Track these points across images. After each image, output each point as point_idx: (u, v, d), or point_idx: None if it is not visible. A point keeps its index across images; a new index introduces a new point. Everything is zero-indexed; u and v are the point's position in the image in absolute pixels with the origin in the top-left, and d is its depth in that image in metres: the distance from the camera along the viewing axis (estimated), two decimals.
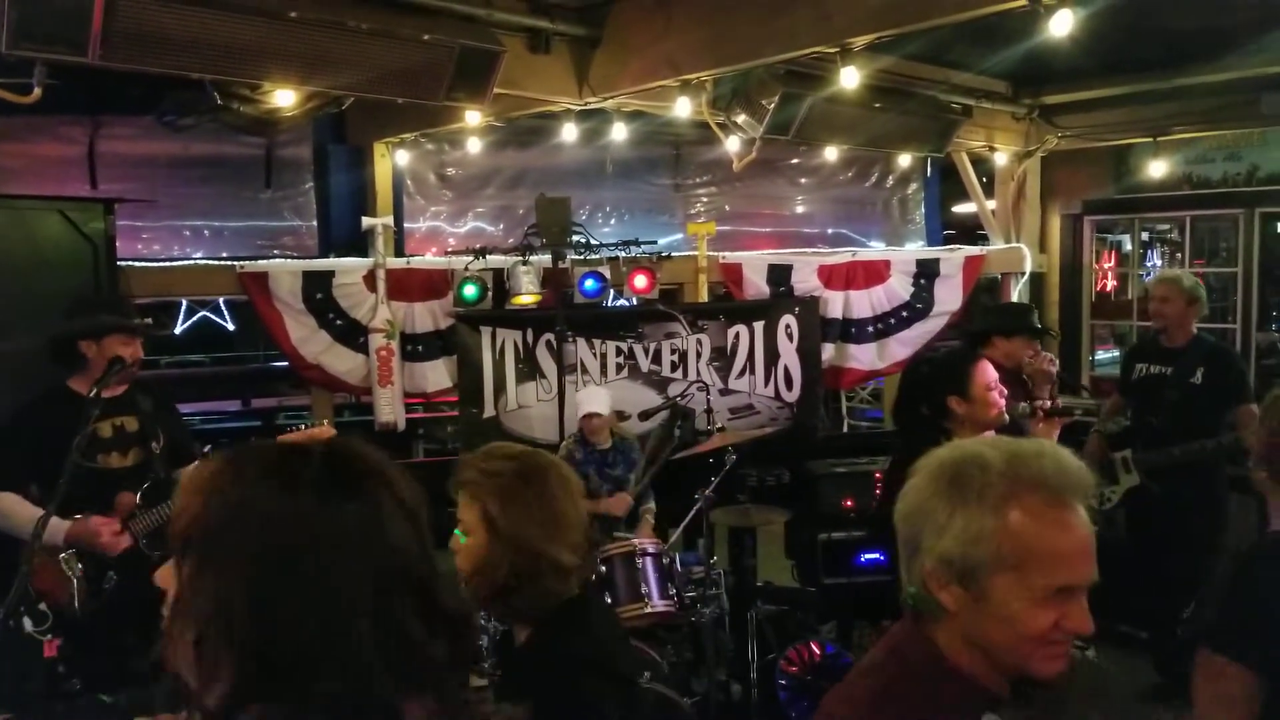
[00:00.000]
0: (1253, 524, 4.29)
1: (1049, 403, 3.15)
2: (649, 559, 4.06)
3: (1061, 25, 3.19)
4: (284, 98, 4.01)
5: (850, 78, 3.84)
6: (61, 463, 2.99)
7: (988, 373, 3.02)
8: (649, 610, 3.98)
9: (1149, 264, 8.54)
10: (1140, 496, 4.59)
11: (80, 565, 3.18)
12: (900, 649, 1.39)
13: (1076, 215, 7.40)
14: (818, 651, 4.07)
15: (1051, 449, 1.31)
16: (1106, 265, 7.95)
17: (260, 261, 5.54)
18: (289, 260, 5.94)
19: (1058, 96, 6.24)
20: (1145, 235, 8.81)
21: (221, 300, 7.44)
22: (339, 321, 5.40)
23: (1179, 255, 7.79)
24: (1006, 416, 3.04)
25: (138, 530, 3.34)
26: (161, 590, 0.95)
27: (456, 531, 1.82)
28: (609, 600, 3.97)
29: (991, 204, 7.21)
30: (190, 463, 3.63)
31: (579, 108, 4.93)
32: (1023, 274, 6.95)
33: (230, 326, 8.08)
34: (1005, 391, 3.05)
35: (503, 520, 1.74)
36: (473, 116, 4.90)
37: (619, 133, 5.38)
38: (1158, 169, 6.42)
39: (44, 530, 2.82)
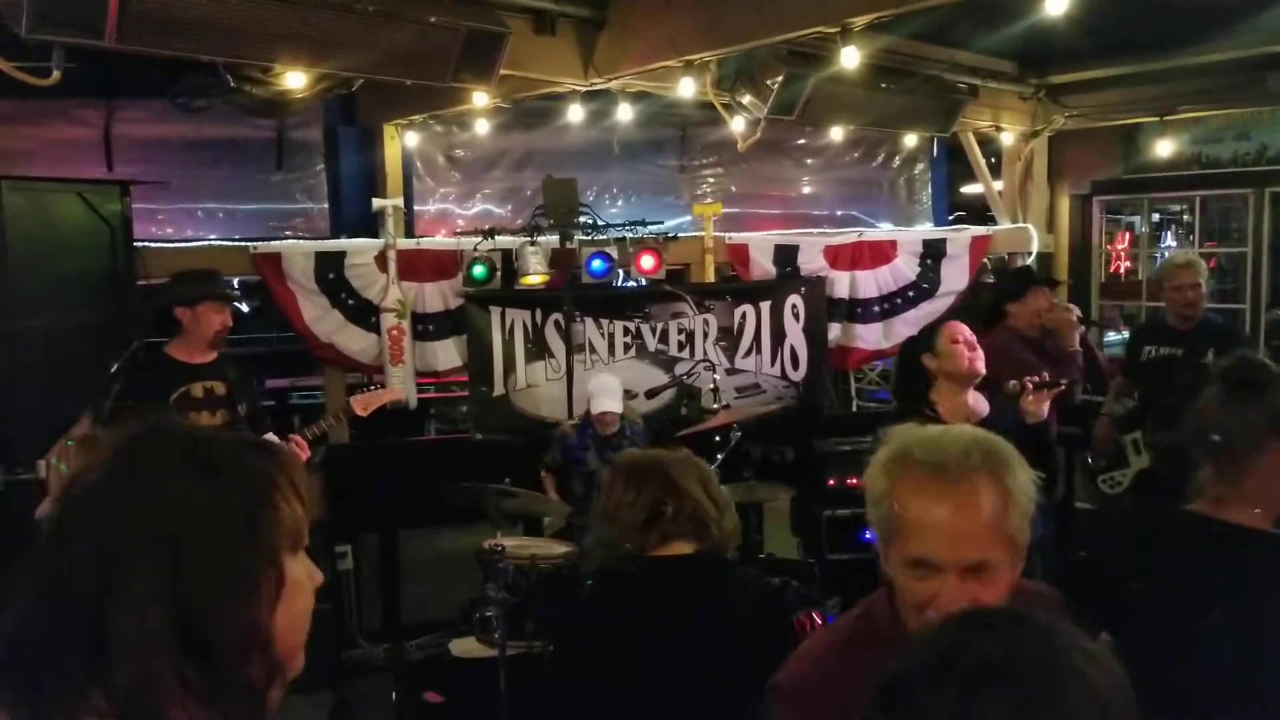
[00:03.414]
0: None
1: (1036, 378, 3.19)
2: None
3: (1058, 3, 3.22)
4: (294, 80, 4.08)
5: (851, 57, 3.88)
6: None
7: (955, 328, 3.15)
8: None
9: (1163, 246, 8.53)
10: (1150, 478, 4.61)
11: None
12: (870, 611, 1.49)
13: (1085, 195, 7.40)
14: (819, 622, 4.15)
15: (965, 435, 1.39)
16: (1120, 246, 7.94)
17: (273, 243, 5.63)
18: (301, 241, 6.03)
19: (1065, 76, 6.23)
20: (1157, 216, 8.80)
21: (236, 282, 7.55)
22: (351, 301, 5.48)
23: (1190, 236, 7.78)
24: (981, 369, 3.11)
25: None
26: None
27: None
28: None
29: (999, 184, 7.21)
30: (265, 432, 3.88)
31: (584, 89, 4.97)
32: (1029, 254, 6.95)
33: (244, 308, 8.18)
34: (976, 345, 3.12)
35: None
36: (479, 98, 4.95)
37: (624, 114, 5.42)
38: (1166, 148, 6.41)
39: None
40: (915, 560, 1.33)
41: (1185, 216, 8.28)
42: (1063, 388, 3.30)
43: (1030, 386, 3.14)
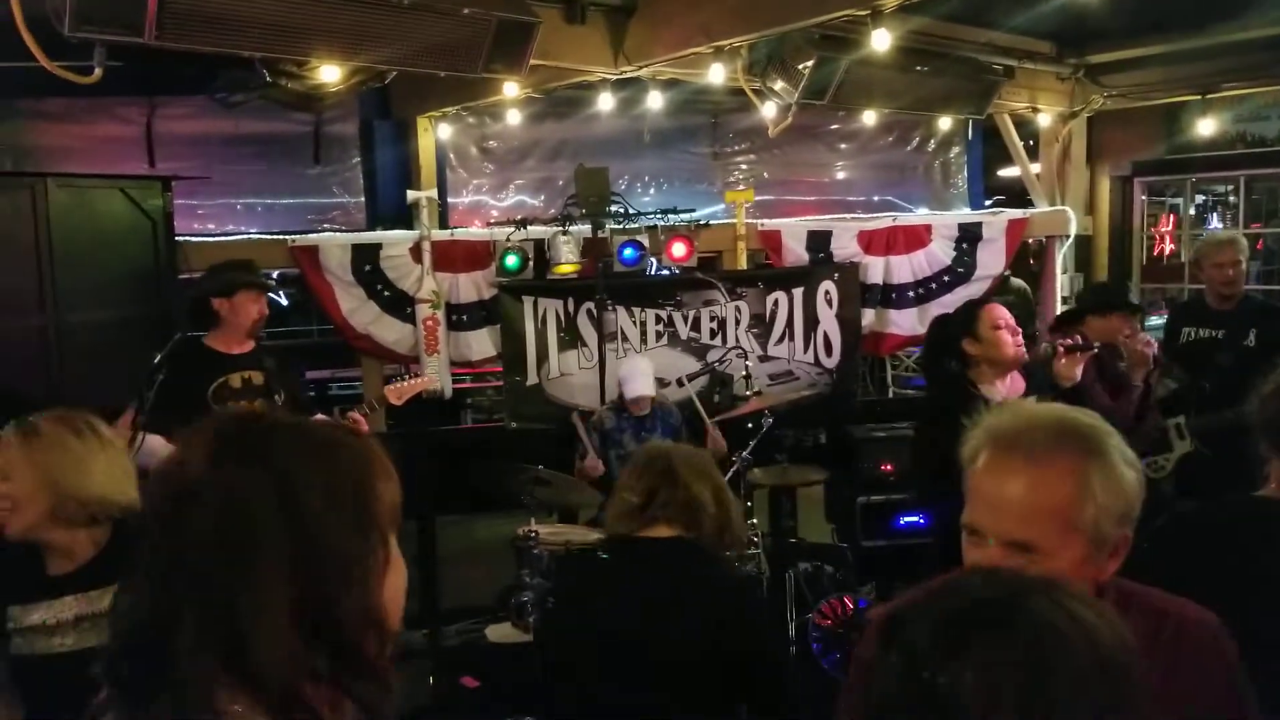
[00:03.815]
0: None
1: (1069, 340, 3.19)
2: None
3: None
4: (329, 73, 4.13)
5: (881, 40, 3.84)
6: (194, 409, 3.40)
7: (996, 313, 3.09)
8: None
9: (1208, 228, 8.35)
10: (1192, 463, 4.54)
11: None
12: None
13: (1126, 177, 7.27)
14: (850, 605, 4.15)
15: (1052, 416, 1.38)
16: (1165, 229, 7.80)
17: (311, 235, 5.72)
18: (338, 234, 6.12)
19: (1103, 55, 6.10)
20: (1205, 199, 8.60)
21: (276, 275, 7.69)
22: (387, 293, 5.56)
23: (1231, 216, 7.61)
24: (1025, 355, 3.09)
25: None
26: None
27: None
28: None
29: (1036, 167, 7.10)
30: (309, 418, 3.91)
31: (615, 77, 4.98)
32: (1067, 237, 6.85)
33: (284, 301, 8.32)
34: (1018, 331, 3.09)
35: None
36: (510, 88, 4.98)
37: (655, 102, 5.41)
38: (1209, 127, 6.26)
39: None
40: (966, 524, 1.35)
41: (1231, 198, 8.10)
42: (1095, 350, 3.28)
43: (1063, 350, 3.13)
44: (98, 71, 3.22)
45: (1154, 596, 1.44)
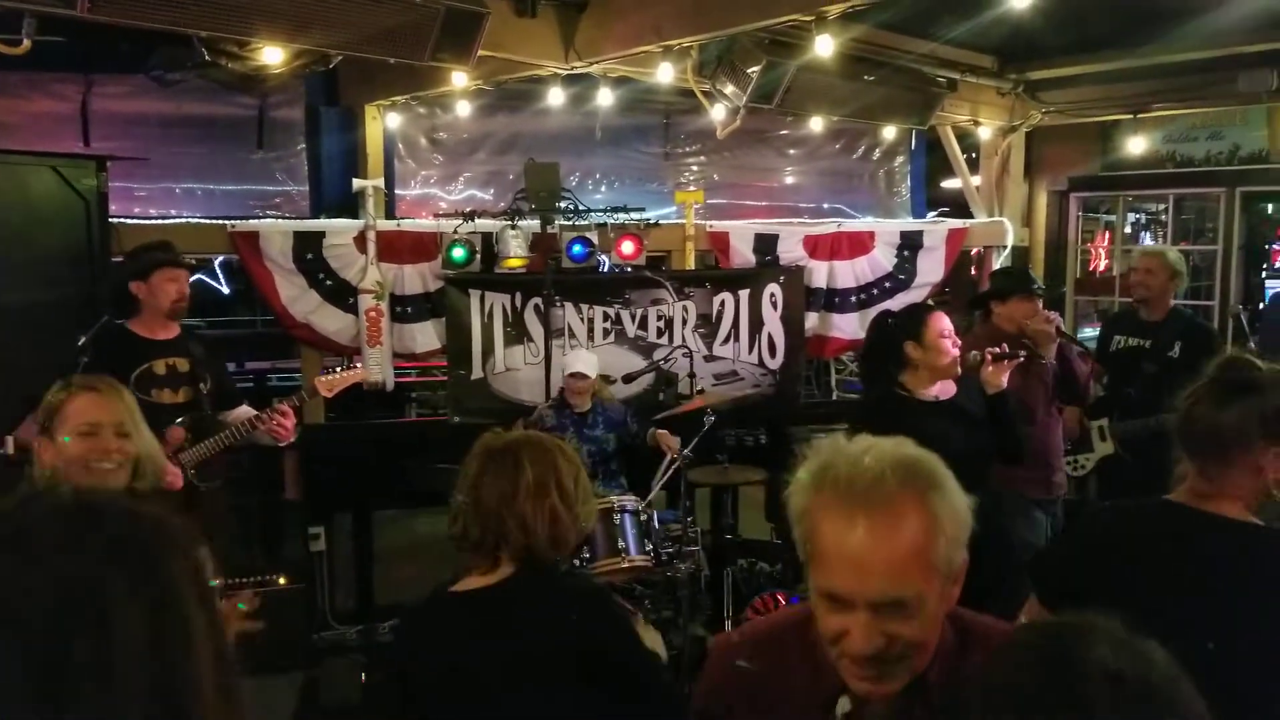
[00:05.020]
0: None
1: (996, 349, 3.30)
2: (626, 515, 4.19)
3: None
4: (272, 55, 4.06)
5: (825, 45, 3.90)
6: None
7: (942, 322, 3.20)
8: (625, 565, 4.11)
9: (1142, 244, 8.63)
10: (1113, 464, 4.73)
11: None
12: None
13: (1063, 191, 7.48)
14: (783, 601, 4.21)
15: (888, 454, 1.25)
16: (1101, 245, 8.04)
17: (251, 221, 5.61)
18: (280, 220, 6.01)
19: (1042, 72, 6.28)
20: (1139, 217, 8.89)
21: (217, 265, 7.53)
22: (329, 282, 5.48)
23: (1163, 234, 7.87)
24: (959, 369, 3.19)
25: (186, 461, 3.57)
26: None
27: None
28: (587, 555, 4.11)
29: (977, 179, 7.28)
30: (235, 407, 3.84)
31: (565, 72, 4.98)
32: (1004, 248, 7.03)
33: (225, 290, 8.15)
34: (960, 344, 3.20)
35: None
36: (459, 79, 4.95)
37: (607, 99, 5.42)
38: (1139, 146, 6.49)
39: None
40: (829, 594, 1.23)
41: (1163, 216, 8.38)
42: (1021, 359, 3.40)
43: (990, 357, 3.24)
44: (26, 43, 3.12)
45: (995, 632, 1.37)
